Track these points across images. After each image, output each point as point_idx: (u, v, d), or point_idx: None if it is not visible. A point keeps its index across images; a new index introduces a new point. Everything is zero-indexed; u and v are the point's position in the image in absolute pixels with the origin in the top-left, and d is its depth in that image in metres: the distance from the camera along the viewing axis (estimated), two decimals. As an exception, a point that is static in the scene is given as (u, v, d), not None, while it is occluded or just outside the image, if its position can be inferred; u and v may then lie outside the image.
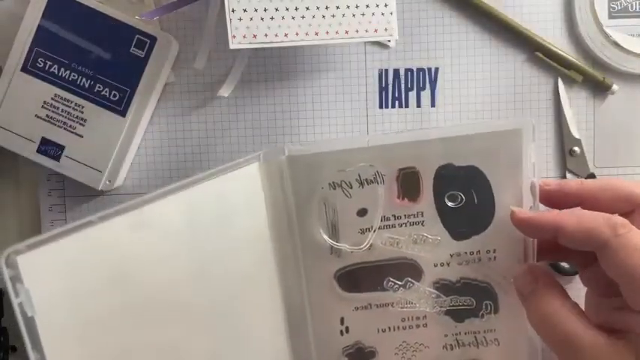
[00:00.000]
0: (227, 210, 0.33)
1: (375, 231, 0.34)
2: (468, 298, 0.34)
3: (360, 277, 0.35)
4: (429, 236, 0.34)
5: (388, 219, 0.34)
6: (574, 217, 0.28)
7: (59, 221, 0.41)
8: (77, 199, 0.41)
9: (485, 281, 0.34)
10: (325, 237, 0.34)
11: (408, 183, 0.33)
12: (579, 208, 0.30)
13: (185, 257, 0.32)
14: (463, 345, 0.35)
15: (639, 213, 0.29)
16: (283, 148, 0.34)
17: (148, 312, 0.30)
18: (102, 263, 0.28)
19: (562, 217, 0.28)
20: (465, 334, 0.35)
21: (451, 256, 0.34)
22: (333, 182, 0.33)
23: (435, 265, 0.34)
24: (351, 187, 0.33)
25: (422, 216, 0.34)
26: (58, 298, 0.26)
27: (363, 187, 0.33)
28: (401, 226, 0.34)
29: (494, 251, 0.33)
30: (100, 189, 0.38)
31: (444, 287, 0.34)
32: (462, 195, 0.33)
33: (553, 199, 0.31)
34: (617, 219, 0.27)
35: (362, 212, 0.34)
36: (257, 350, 0.35)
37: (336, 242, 0.34)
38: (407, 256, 0.34)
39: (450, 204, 0.33)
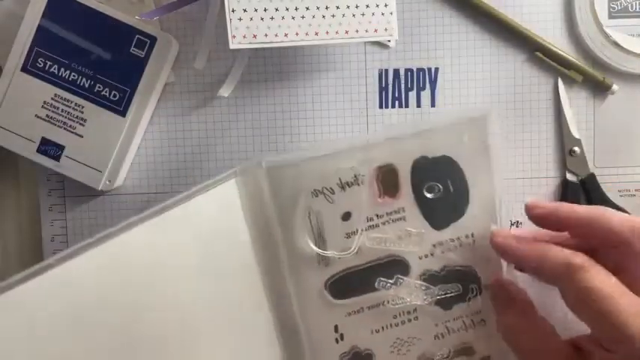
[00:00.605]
0: (206, 232, 0.33)
1: (361, 233, 0.34)
2: (455, 285, 0.35)
3: (350, 282, 0.35)
4: (412, 230, 0.34)
5: (372, 219, 0.34)
6: (537, 253, 0.30)
7: (59, 221, 0.41)
8: (77, 199, 0.41)
9: (467, 265, 0.35)
10: (312, 246, 0.34)
11: (387, 180, 0.34)
12: (559, 235, 0.32)
13: (166, 283, 0.31)
14: (453, 331, 0.36)
15: (624, 248, 0.28)
16: (260, 161, 0.34)
17: (134, 334, 0.30)
18: (66, 305, 0.27)
19: (527, 253, 0.31)
20: (454, 320, 0.35)
21: (434, 246, 0.35)
22: (315, 190, 0.34)
23: (420, 258, 0.35)
24: (333, 193, 0.34)
25: (403, 211, 0.34)
26: (18, 342, 0.26)
27: (344, 191, 0.34)
28: (384, 224, 0.34)
29: (473, 235, 0.35)
30: (100, 189, 0.38)
31: (431, 278, 0.35)
32: (439, 185, 0.34)
33: (545, 221, 0.32)
34: (577, 260, 0.28)
35: (346, 216, 0.34)
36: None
37: (324, 250, 0.34)
38: (394, 253, 0.35)
39: (428, 195, 0.34)
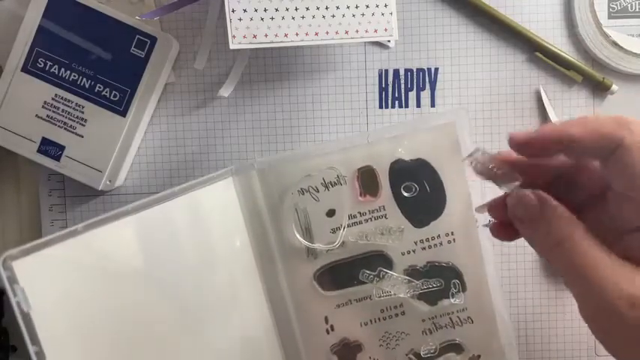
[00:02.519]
0: (206, 221, 0.35)
1: (344, 228, 0.37)
2: (437, 280, 0.37)
3: (337, 275, 0.37)
4: (393, 227, 0.37)
5: (355, 216, 0.37)
6: (580, 124, 0.25)
7: (59, 221, 0.41)
8: (77, 199, 0.41)
9: (449, 261, 0.37)
10: (300, 239, 0.36)
11: (367, 181, 0.37)
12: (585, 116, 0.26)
13: (171, 266, 0.33)
14: (440, 327, 0.37)
15: (620, 150, 0.24)
16: (253, 162, 0.36)
17: (139, 312, 0.32)
18: (90, 268, 0.30)
19: (567, 127, 0.25)
20: (441, 316, 0.37)
21: (415, 243, 0.37)
22: (301, 188, 0.37)
23: (403, 254, 0.37)
24: (318, 191, 0.37)
25: (384, 209, 0.37)
26: (52, 296, 0.28)
27: (328, 190, 0.37)
28: (367, 221, 0.37)
29: (452, 234, 0.37)
30: (100, 189, 0.38)
31: (414, 273, 0.37)
32: (416, 185, 0.37)
33: (531, 149, 0.27)
34: (628, 118, 0.24)
35: (331, 213, 0.37)
36: (255, 350, 0.37)
37: (311, 243, 0.37)
38: (376, 248, 0.37)
39: (406, 194, 0.37)
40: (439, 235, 0.37)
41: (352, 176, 0.36)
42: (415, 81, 0.40)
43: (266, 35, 0.34)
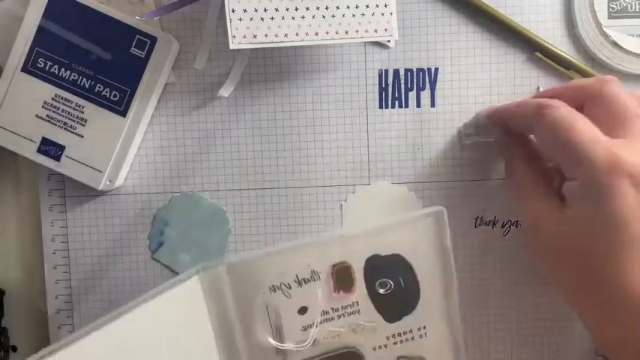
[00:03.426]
0: (174, 328, 0.34)
1: (316, 326, 0.36)
2: None
3: None
4: (366, 323, 0.37)
5: (327, 312, 0.36)
6: (517, 104, 0.35)
7: (59, 221, 0.41)
8: (77, 199, 0.41)
9: (420, 355, 0.37)
10: (271, 340, 0.36)
11: (342, 277, 0.36)
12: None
13: None
14: None
15: (589, 105, 0.32)
16: (222, 259, 0.36)
17: None
18: None
19: (509, 107, 0.36)
20: None
21: (387, 338, 0.37)
22: (273, 285, 0.36)
23: (374, 349, 0.37)
24: (290, 288, 0.36)
25: (357, 305, 0.37)
26: None
27: (301, 286, 0.36)
28: (339, 317, 0.37)
29: (424, 327, 0.37)
30: (100, 189, 0.38)
31: None
32: (391, 281, 0.36)
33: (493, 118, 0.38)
34: (547, 101, 0.31)
35: (302, 310, 0.36)
36: None
37: (281, 343, 0.36)
38: (348, 345, 0.37)
39: (380, 291, 0.37)
40: (411, 330, 0.37)
41: (327, 272, 0.36)
42: (415, 81, 0.40)
43: (266, 35, 0.34)
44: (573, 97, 0.32)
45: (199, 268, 0.36)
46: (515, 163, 0.35)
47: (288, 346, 0.36)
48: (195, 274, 0.36)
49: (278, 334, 0.36)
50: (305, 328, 0.36)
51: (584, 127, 0.29)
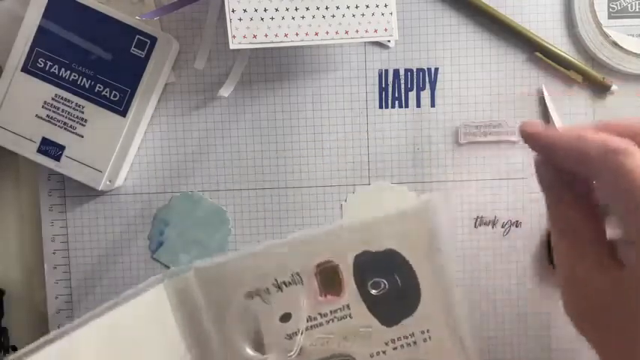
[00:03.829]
0: (136, 339, 0.30)
1: (302, 333, 0.32)
2: None
3: None
4: (360, 328, 0.32)
5: (315, 318, 0.32)
6: (572, 136, 0.26)
7: (59, 221, 0.41)
8: (77, 199, 0.41)
9: None
10: (249, 351, 0.32)
11: (327, 278, 0.32)
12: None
13: None
14: None
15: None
16: (190, 265, 0.32)
17: None
18: None
19: (560, 137, 0.26)
20: None
21: (386, 343, 0.33)
22: (249, 291, 0.32)
23: (372, 356, 0.33)
24: (270, 293, 0.32)
25: (348, 309, 0.33)
26: None
27: (282, 291, 0.32)
28: (329, 322, 0.32)
29: (428, 331, 0.32)
30: (100, 189, 0.38)
31: None
32: (385, 281, 0.32)
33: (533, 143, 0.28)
34: (616, 142, 0.24)
35: (285, 317, 0.32)
36: None
37: (262, 354, 0.32)
38: (341, 353, 0.33)
39: (373, 292, 0.32)
40: (412, 334, 0.33)
41: (310, 274, 0.32)
42: (415, 81, 0.40)
43: (266, 35, 0.34)
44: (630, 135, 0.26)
45: (164, 276, 0.32)
46: (566, 211, 0.27)
47: (270, 357, 0.32)
48: (159, 282, 0.32)
49: (258, 343, 0.32)
50: (290, 336, 0.32)
51: None
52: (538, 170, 0.28)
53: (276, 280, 0.32)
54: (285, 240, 0.32)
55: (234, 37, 0.33)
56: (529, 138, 0.28)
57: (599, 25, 0.39)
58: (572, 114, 0.40)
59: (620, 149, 0.24)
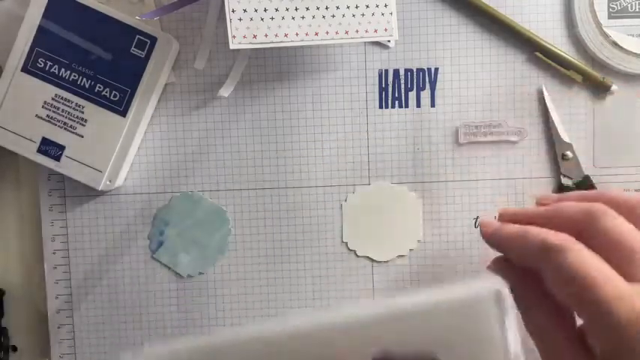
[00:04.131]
0: None
1: None
2: None
3: None
4: None
5: None
6: (517, 233, 0.27)
7: (59, 221, 0.41)
8: (77, 199, 0.41)
9: None
10: None
11: None
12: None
13: None
14: None
15: (586, 236, 0.25)
16: (141, 349, 0.22)
17: None
18: None
19: (508, 235, 0.27)
20: None
21: None
22: None
23: None
24: None
25: None
26: None
27: None
28: None
29: None
30: (100, 189, 0.38)
31: None
32: None
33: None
34: (552, 239, 0.24)
35: None
36: None
37: None
38: None
39: None
40: None
41: None
42: (415, 81, 0.40)
43: (266, 35, 0.34)
44: (566, 227, 0.26)
45: None
46: (534, 317, 0.27)
47: None
48: None
49: None
50: None
51: (601, 280, 0.22)
52: (500, 272, 0.28)
53: None
54: (265, 328, 0.21)
55: (234, 37, 0.33)
56: (486, 239, 0.30)
57: (599, 25, 0.39)
58: (572, 114, 0.40)
59: (553, 245, 0.24)
